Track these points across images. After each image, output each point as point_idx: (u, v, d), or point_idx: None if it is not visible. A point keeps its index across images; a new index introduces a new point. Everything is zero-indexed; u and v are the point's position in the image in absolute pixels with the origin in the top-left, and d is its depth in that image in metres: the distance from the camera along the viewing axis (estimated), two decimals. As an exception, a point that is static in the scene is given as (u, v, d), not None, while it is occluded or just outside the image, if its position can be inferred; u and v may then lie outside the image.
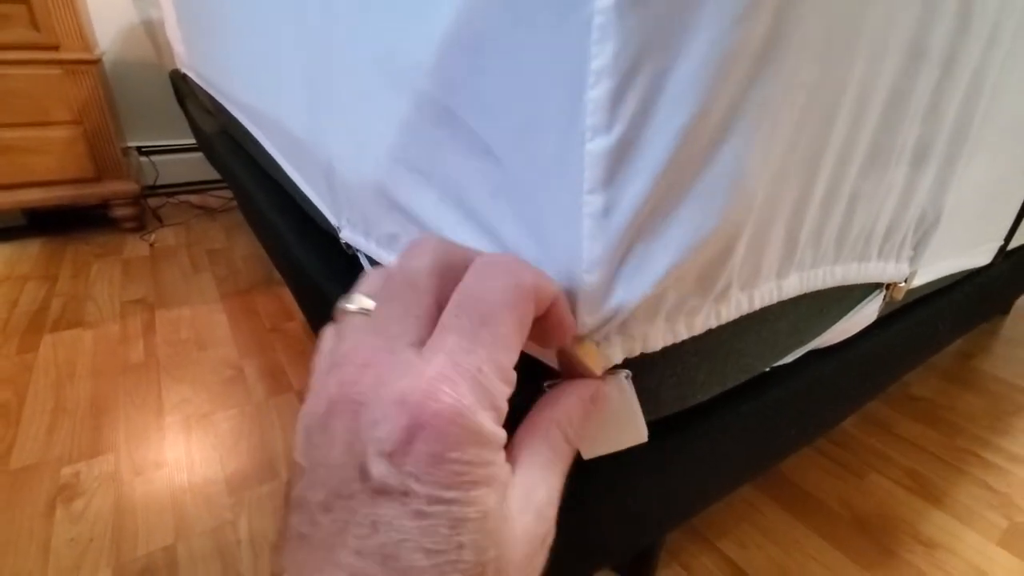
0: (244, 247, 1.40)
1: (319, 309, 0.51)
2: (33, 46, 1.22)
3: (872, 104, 0.23)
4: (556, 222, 0.19)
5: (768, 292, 0.25)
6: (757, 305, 0.24)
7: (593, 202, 0.17)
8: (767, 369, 0.32)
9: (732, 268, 0.22)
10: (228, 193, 1.68)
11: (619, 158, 0.17)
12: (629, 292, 0.18)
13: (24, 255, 1.31)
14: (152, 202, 1.62)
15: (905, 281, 0.34)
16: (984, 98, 0.29)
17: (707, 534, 0.68)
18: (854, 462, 0.80)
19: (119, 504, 0.69)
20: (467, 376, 0.15)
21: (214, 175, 1.59)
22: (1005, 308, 1.20)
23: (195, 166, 1.69)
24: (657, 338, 0.22)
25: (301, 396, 0.90)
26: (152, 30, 1.59)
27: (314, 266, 0.48)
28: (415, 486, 0.14)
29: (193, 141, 1.62)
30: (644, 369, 0.23)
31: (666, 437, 0.28)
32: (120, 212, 1.40)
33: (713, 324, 0.23)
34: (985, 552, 0.67)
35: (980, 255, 0.46)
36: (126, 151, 1.49)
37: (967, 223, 0.38)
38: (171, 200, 1.66)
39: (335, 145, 0.36)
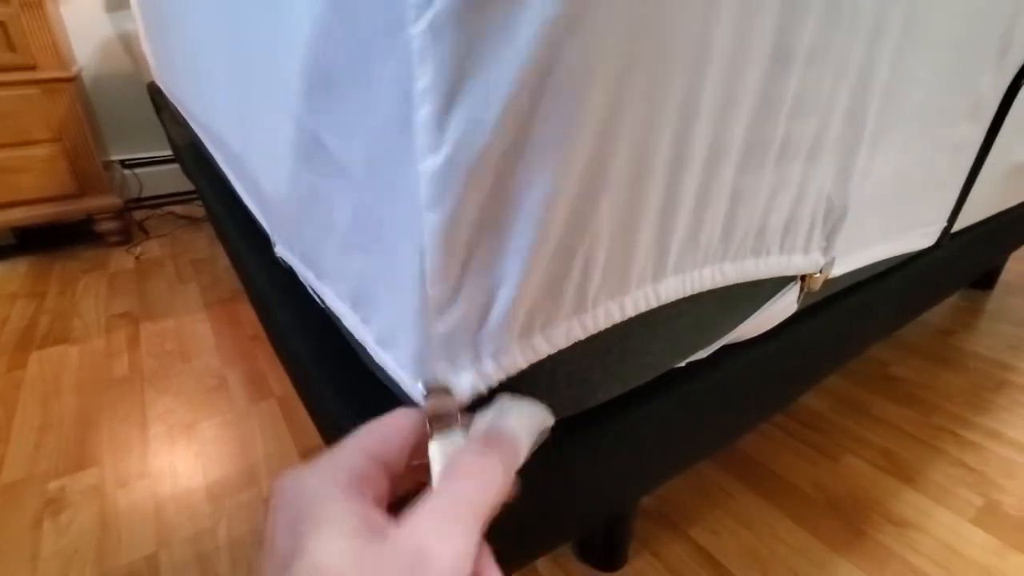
0: (227, 256, 1.41)
1: (267, 321, 0.52)
2: (10, 67, 1.23)
3: (738, 106, 0.23)
4: (402, 243, 0.19)
5: (643, 298, 0.25)
6: (631, 312, 0.25)
7: (430, 219, 0.18)
8: (681, 365, 0.32)
9: (587, 281, 0.22)
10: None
11: (448, 177, 0.17)
12: (472, 303, 0.19)
13: (13, 274, 1.33)
14: (137, 215, 1.64)
15: (821, 271, 0.34)
16: (876, 90, 0.29)
17: (678, 522, 0.68)
18: (828, 444, 0.80)
19: (103, 516, 0.71)
20: None
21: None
22: (988, 284, 1.19)
23: (178, 177, 1.70)
24: (516, 358, 0.22)
25: (283, 403, 0.91)
26: (129, 43, 1.60)
27: (262, 279, 0.49)
28: None
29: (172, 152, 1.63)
30: (529, 376, 0.23)
31: (579, 432, 0.29)
32: (105, 226, 1.42)
33: (580, 336, 0.24)
34: (958, 530, 0.67)
35: (919, 238, 0.46)
36: (108, 165, 1.50)
37: (891, 209, 0.38)
38: (156, 212, 1.67)
39: (259, 162, 0.36)
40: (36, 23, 1.24)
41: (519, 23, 0.16)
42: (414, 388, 0.22)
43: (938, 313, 1.13)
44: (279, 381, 0.95)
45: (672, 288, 0.26)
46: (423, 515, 0.17)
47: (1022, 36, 0.40)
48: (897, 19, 0.28)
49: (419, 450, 0.20)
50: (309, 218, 0.28)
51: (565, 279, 0.21)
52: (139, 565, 0.65)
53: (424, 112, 0.17)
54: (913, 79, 0.32)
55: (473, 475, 0.18)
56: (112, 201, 1.40)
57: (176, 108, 1.01)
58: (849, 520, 0.68)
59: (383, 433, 0.20)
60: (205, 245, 1.48)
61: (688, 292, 0.26)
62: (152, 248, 1.46)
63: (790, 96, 0.25)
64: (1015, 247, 0.91)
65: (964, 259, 0.61)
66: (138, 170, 1.67)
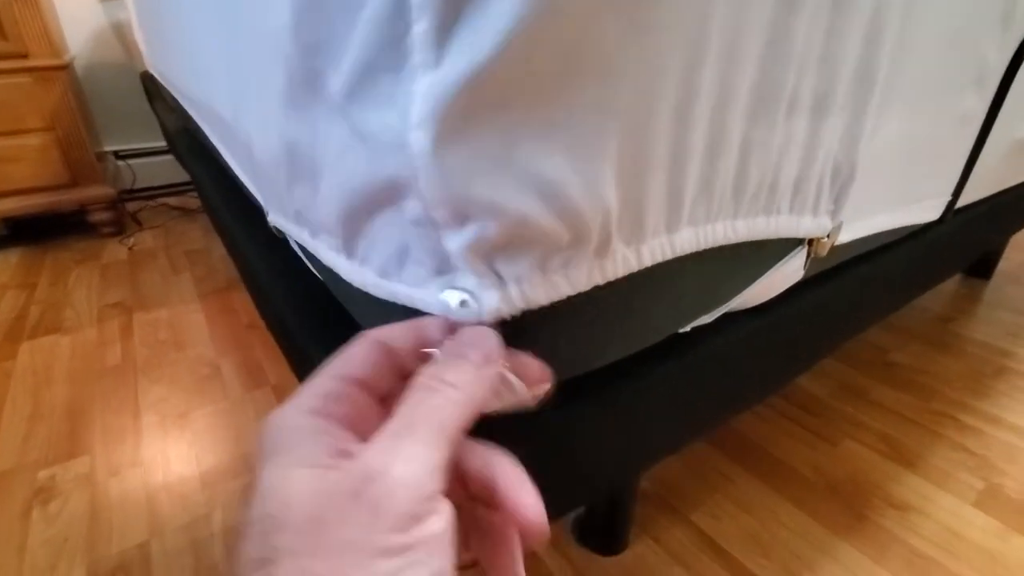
0: (222, 246, 1.40)
1: (262, 303, 0.51)
2: (1, 55, 1.21)
3: (745, 50, 0.22)
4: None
5: (659, 247, 0.24)
6: (648, 261, 0.24)
7: (420, 138, 0.17)
8: (686, 329, 0.32)
9: (604, 217, 0.21)
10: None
11: (444, 97, 0.16)
12: (483, 227, 0.18)
13: (4, 264, 1.31)
14: (130, 206, 1.62)
15: (828, 236, 0.33)
16: (885, 47, 0.28)
17: (679, 506, 0.68)
18: (828, 429, 0.80)
19: (94, 504, 0.70)
20: None
21: (188, 176, 1.58)
22: (986, 272, 1.19)
23: (172, 168, 1.69)
24: (536, 289, 0.21)
25: (278, 391, 0.90)
26: (122, 32, 1.58)
27: (257, 258, 0.48)
28: None
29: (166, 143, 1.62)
30: (535, 328, 0.23)
31: (578, 400, 0.28)
32: (98, 217, 1.40)
33: (599, 280, 0.23)
34: (959, 513, 0.67)
35: (924, 210, 0.46)
36: (102, 156, 1.49)
37: (897, 177, 0.37)
38: (149, 203, 1.66)
39: (249, 125, 0.35)
40: (28, 11, 1.22)
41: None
42: (437, 302, 0.21)
43: (937, 300, 1.13)
44: (275, 370, 0.94)
45: (686, 240, 0.25)
46: (381, 435, 0.17)
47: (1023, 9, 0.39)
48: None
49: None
50: (299, 171, 0.27)
51: (587, 211, 0.20)
52: (131, 553, 0.64)
53: (421, 26, 0.16)
54: (922, 41, 0.31)
55: (437, 389, 0.18)
56: (105, 191, 1.38)
57: (169, 93, 1.00)
58: (849, 504, 0.68)
59: (352, 353, 0.20)
60: (199, 236, 1.46)
61: (701, 246, 0.26)
62: (145, 239, 1.44)
63: (799, 43, 0.24)
64: (1016, 229, 0.91)
65: (966, 236, 0.61)
66: (131, 161, 1.66)
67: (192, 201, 1.68)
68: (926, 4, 0.30)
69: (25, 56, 1.24)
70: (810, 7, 0.24)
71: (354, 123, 0.19)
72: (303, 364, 0.39)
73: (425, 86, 0.16)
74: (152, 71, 1.16)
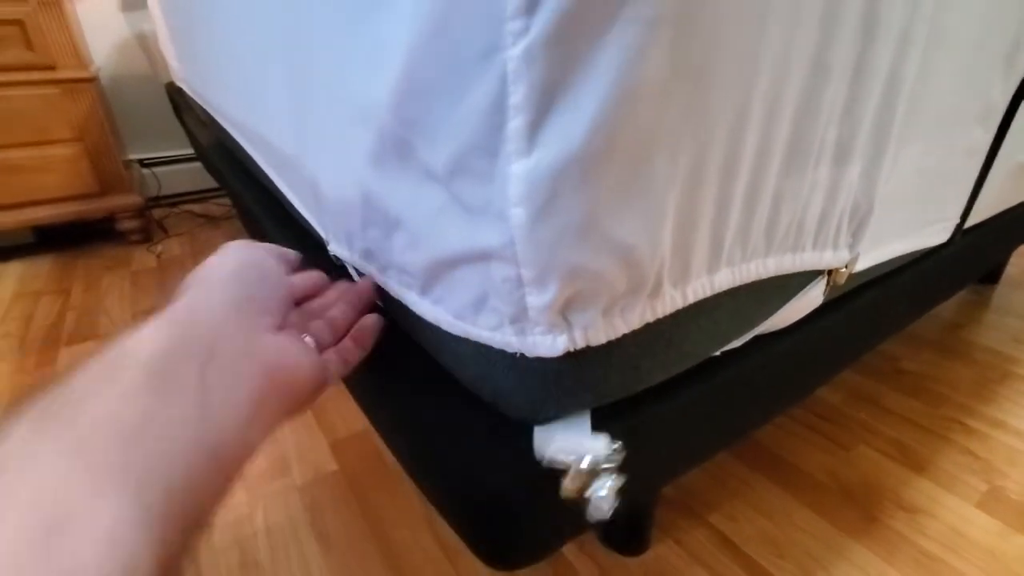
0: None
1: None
2: (29, 67, 1.25)
3: (782, 115, 0.26)
4: (490, 229, 0.22)
5: (701, 287, 0.28)
6: (691, 299, 0.27)
7: (518, 214, 0.21)
8: (716, 354, 0.35)
9: (661, 270, 0.25)
10: (229, 201, 1.71)
11: (537, 179, 0.20)
12: (563, 286, 0.22)
13: (36, 271, 1.35)
14: (156, 213, 1.66)
15: (846, 267, 0.36)
16: (902, 99, 0.31)
17: (699, 510, 0.71)
18: (842, 435, 0.83)
19: (141, 504, 0.74)
20: None
21: (213, 183, 1.62)
22: (993, 278, 1.22)
23: (195, 175, 1.73)
24: (598, 332, 0.25)
25: (308, 395, 0.94)
26: (145, 43, 1.62)
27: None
28: None
29: (191, 151, 1.66)
30: (589, 362, 0.26)
31: (619, 419, 0.32)
32: (126, 225, 1.44)
33: (650, 319, 0.26)
34: (964, 515, 0.70)
35: (934, 235, 0.49)
36: (127, 164, 1.53)
37: (910, 208, 0.41)
38: (174, 210, 1.70)
39: (319, 167, 0.39)
40: (54, 22, 1.25)
41: (603, 49, 0.18)
42: (509, 344, 0.25)
43: (947, 306, 1.15)
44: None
45: (724, 278, 0.28)
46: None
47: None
48: (921, 30, 0.30)
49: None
50: (376, 217, 0.30)
51: (647, 265, 0.23)
52: (180, 550, 0.68)
53: (516, 123, 0.20)
54: (934, 86, 0.34)
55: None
56: (134, 200, 1.42)
57: (200, 107, 1.03)
58: (862, 507, 0.71)
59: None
60: (224, 243, 1.50)
61: (736, 283, 0.29)
62: (172, 247, 1.48)
63: (827, 103, 0.27)
64: (1021, 242, 0.94)
65: (974, 254, 0.63)
66: (156, 169, 1.70)
67: (215, 208, 1.72)
68: (939, 55, 0.33)
69: (52, 68, 1.28)
70: (837, 71, 0.27)
71: (454, 193, 0.23)
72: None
73: (521, 169, 0.20)
74: (181, 84, 1.20)
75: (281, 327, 0.29)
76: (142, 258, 1.42)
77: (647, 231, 0.22)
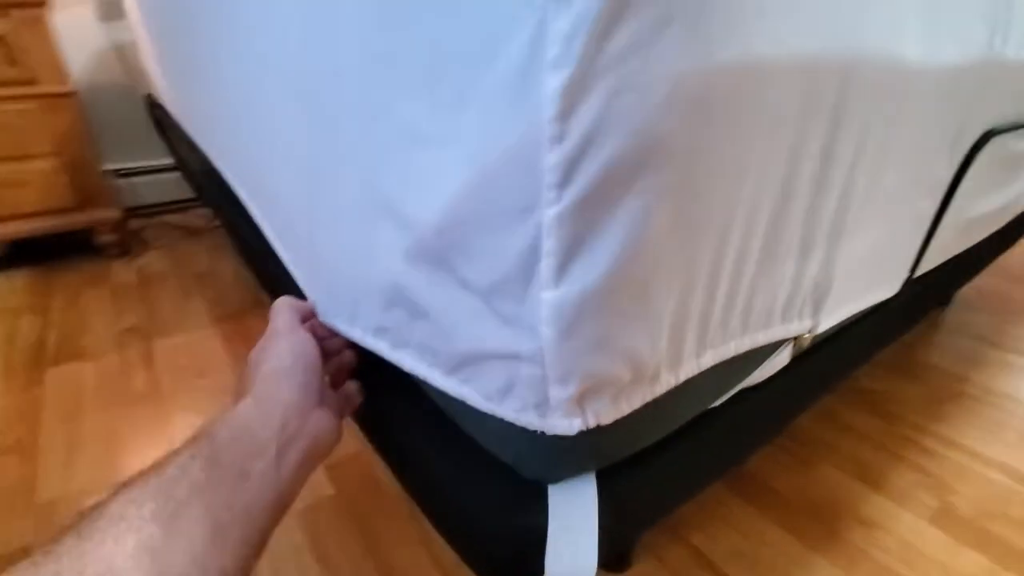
0: (230, 268, 1.44)
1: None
2: (10, 82, 1.24)
3: (756, 231, 0.30)
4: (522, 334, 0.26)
5: (690, 368, 0.32)
6: (682, 379, 0.32)
7: (548, 335, 0.25)
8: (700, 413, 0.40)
9: (659, 361, 0.29)
10: (208, 211, 1.70)
11: (563, 307, 0.24)
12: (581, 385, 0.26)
13: (12, 287, 1.33)
14: (133, 224, 1.65)
15: (809, 332, 0.42)
16: (857, 198, 0.36)
17: (680, 530, 0.76)
18: (808, 454, 0.89)
19: (140, 531, 0.75)
20: None
21: (191, 194, 1.62)
22: (945, 300, 1.31)
23: (172, 185, 1.72)
24: (608, 414, 0.29)
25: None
26: (123, 54, 1.60)
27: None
28: None
29: (168, 162, 1.65)
30: (598, 436, 0.30)
31: (615, 476, 0.36)
32: (104, 239, 1.43)
33: (649, 399, 0.31)
34: (917, 530, 0.77)
35: (886, 290, 0.54)
36: (104, 175, 1.51)
37: (864, 275, 0.46)
38: (151, 221, 1.69)
39: (326, 238, 0.41)
40: (36, 38, 1.24)
41: (616, 216, 0.23)
42: (531, 424, 0.29)
43: (902, 328, 1.24)
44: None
45: (708, 358, 0.33)
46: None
47: (970, 130, 0.48)
48: (874, 147, 0.35)
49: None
50: (402, 302, 0.34)
51: (648, 356, 0.28)
52: None
53: (547, 263, 0.24)
54: (885, 182, 0.39)
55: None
56: (112, 214, 1.42)
57: (187, 134, 1.04)
58: (825, 522, 0.77)
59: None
60: (205, 257, 1.50)
61: (719, 361, 0.34)
62: (152, 260, 1.48)
63: (792, 216, 0.32)
64: (966, 280, 1.02)
65: (924, 297, 0.70)
66: (132, 179, 1.68)
67: (194, 219, 1.71)
68: (889, 159, 0.39)
69: (32, 83, 1.27)
70: (801, 192, 0.32)
71: (491, 306, 0.27)
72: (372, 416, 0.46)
73: (550, 297, 0.24)
74: (166, 107, 1.20)
75: (320, 403, 0.34)
76: (121, 272, 1.41)
77: (649, 337, 0.27)
